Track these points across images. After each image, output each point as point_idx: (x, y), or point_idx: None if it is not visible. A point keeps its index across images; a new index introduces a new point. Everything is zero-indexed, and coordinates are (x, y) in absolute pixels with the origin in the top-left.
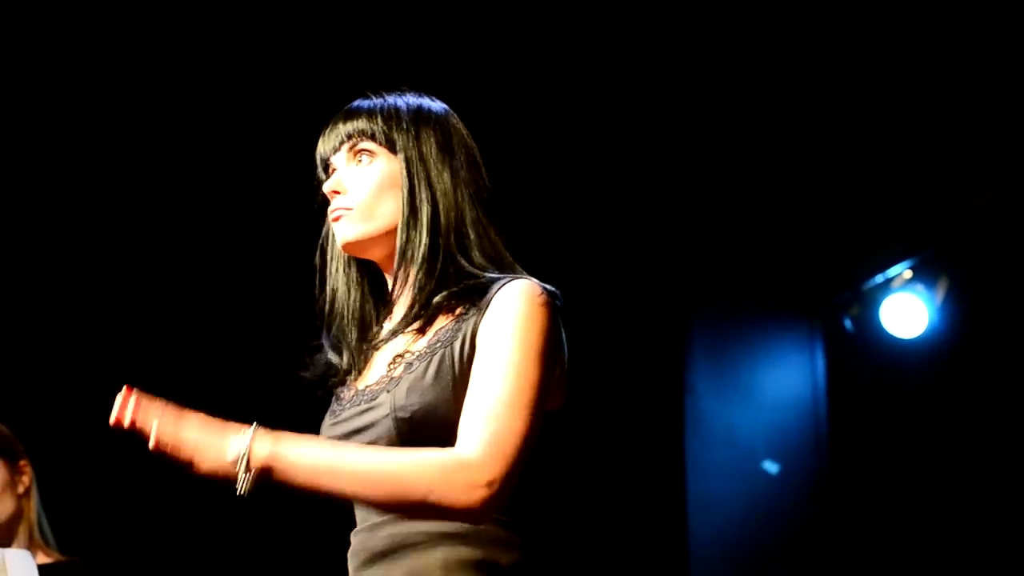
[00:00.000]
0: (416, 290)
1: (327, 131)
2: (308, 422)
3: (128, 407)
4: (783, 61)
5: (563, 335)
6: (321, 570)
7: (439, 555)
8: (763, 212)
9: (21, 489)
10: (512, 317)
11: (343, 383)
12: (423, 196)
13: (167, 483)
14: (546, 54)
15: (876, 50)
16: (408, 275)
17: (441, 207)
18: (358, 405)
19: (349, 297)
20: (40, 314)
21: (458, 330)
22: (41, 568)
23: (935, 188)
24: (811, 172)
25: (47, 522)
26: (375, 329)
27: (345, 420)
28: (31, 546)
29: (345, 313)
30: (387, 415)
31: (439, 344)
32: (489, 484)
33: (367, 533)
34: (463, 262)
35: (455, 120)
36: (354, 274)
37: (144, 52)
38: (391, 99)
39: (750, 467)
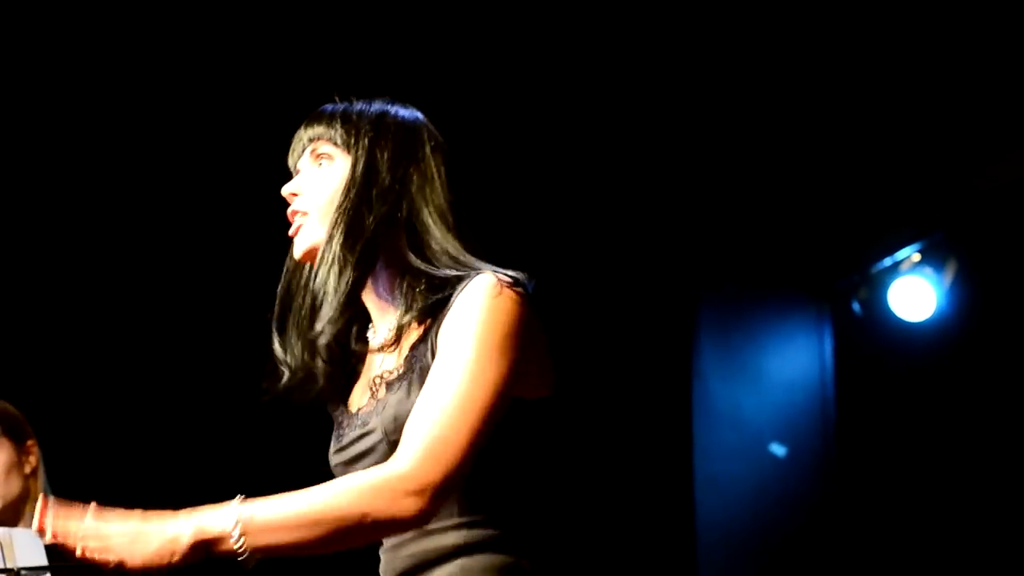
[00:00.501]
0: (331, 291)
1: (293, 140)
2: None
3: (47, 519)
4: (789, 44)
5: (531, 322)
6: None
7: (456, 567)
8: (771, 195)
9: (28, 469)
10: (467, 317)
11: (337, 407)
12: (353, 195)
13: (175, 464)
14: (553, 40)
15: (885, 33)
16: (328, 275)
17: (374, 206)
18: (355, 430)
19: (303, 301)
20: (48, 296)
21: (425, 341)
22: (48, 548)
23: (943, 171)
24: (820, 155)
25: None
26: (353, 344)
27: (348, 446)
28: None
29: (298, 315)
30: (381, 440)
31: (414, 360)
32: (420, 492)
33: (392, 553)
34: (417, 263)
35: (423, 127)
36: (308, 279)
37: (142, 52)
38: (358, 104)
39: (757, 450)
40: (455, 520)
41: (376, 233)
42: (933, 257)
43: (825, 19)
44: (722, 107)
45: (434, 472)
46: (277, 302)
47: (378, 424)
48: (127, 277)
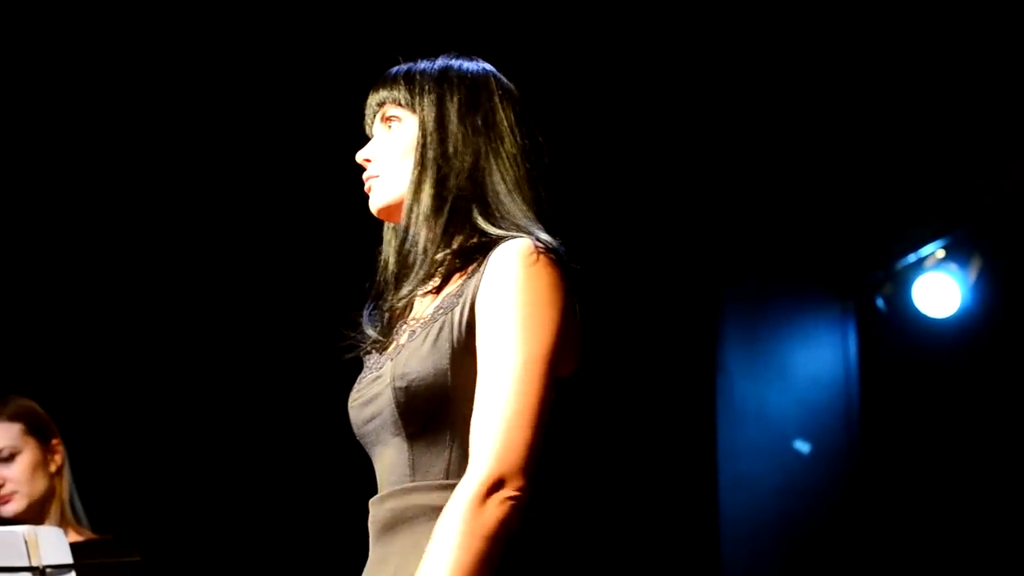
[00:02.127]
0: (421, 251)
1: (366, 106)
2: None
3: None
4: (814, 40)
5: (568, 290)
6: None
7: (432, 527)
8: (796, 191)
9: (53, 468)
10: (509, 288)
11: (370, 351)
12: (431, 155)
13: (200, 462)
14: (579, 36)
15: (910, 29)
16: (419, 236)
17: (452, 166)
18: (372, 372)
19: (390, 266)
20: (73, 293)
21: (460, 295)
22: (72, 546)
23: (968, 167)
24: (845, 151)
25: (79, 500)
26: (394, 293)
27: (362, 389)
28: (63, 524)
29: (383, 282)
30: (388, 384)
31: (441, 311)
32: (505, 483)
33: (377, 506)
34: (479, 222)
35: (491, 79)
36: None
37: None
38: (420, 63)
39: (782, 447)
40: (441, 480)
41: (460, 189)
42: (958, 253)
43: (850, 17)
44: (748, 103)
45: (509, 459)
46: (379, 271)
47: (388, 370)
48: (154, 275)
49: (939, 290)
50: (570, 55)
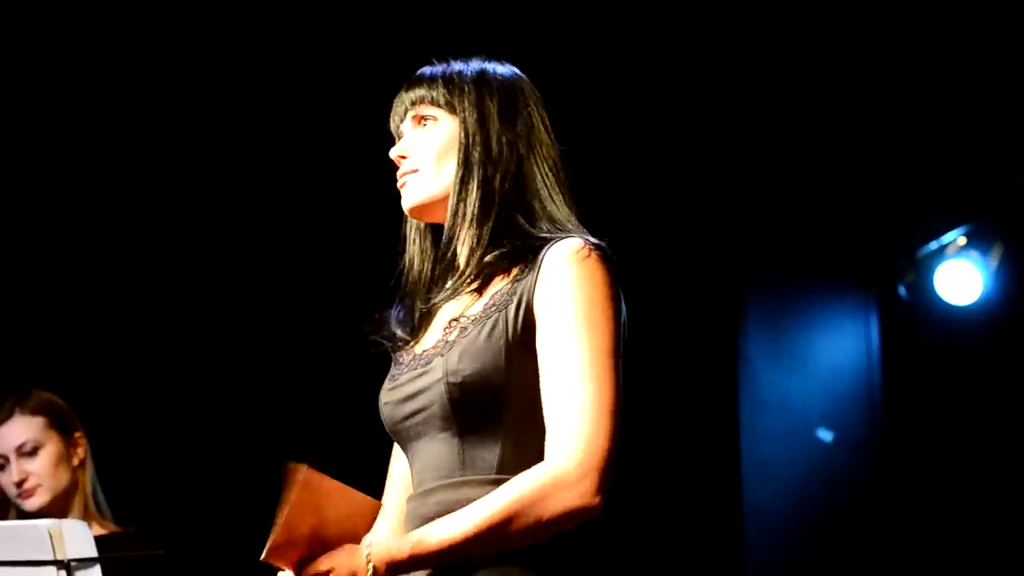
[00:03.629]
0: (468, 251)
1: (394, 103)
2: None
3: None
4: (836, 29)
5: (619, 286)
6: None
7: None
8: (817, 180)
9: (76, 461)
10: (568, 285)
11: (401, 348)
12: (476, 156)
13: (223, 453)
14: (605, 33)
15: (932, 18)
16: (462, 236)
17: (497, 168)
18: (414, 369)
19: (422, 265)
20: (95, 288)
21: (513, 293)
22: (97, 539)
23: (989, 154)
24: (866, 140)
25: (102, 493)
26: (435, 291)
27: (401, 385)
28: (86, 517)
29: (417, 280)
30: (439, 379)
31: (494, 308)
32: (586, 478)
33: (420, 499)
34: (522, 223)
35: (524, 84)
36: (427, 245)
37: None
38: (455, 64)
39: (804, 435)
40: (492, 475)
41: (505, 192)
42: (979, 241)
43: (871, 8)
44: (770, 96)
45: (594, 456)
46: (404, 276)
47: (439, 364)
48: (176, 271)
49: (961, 278)
50: (591, 52)
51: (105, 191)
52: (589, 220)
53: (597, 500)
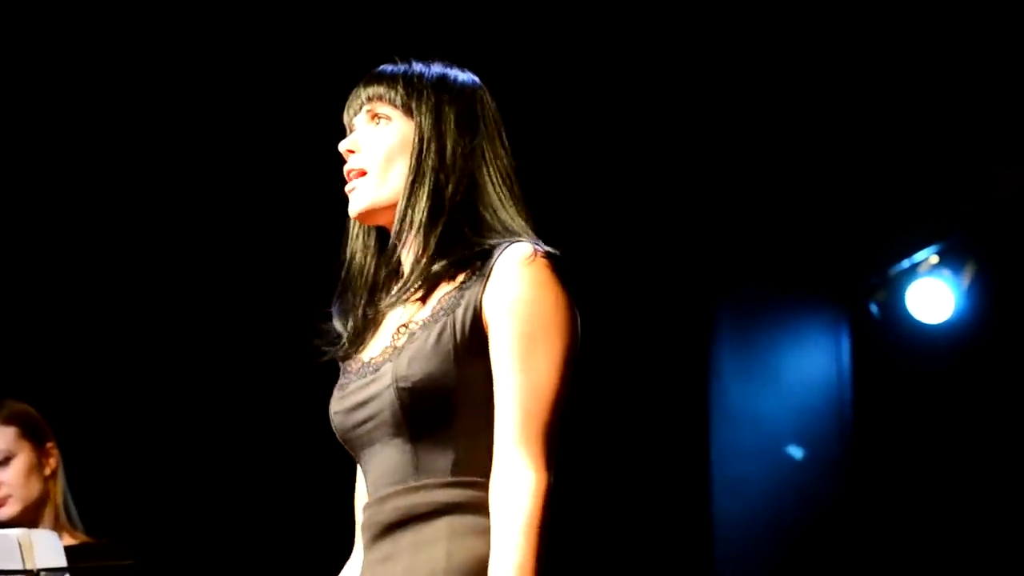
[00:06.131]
0: (414, 259)
1: (350, 96)
2: (318, 398)
3: None
4: (807, 44)
5: (570, 293)
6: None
7: (444, 524)
8: (789, 196)
9: (48, 471)
10: (518, 291)
11: (349, 355)
12: (430, 163)
13: (194, 465)
14: (573, 39)
15: (904, 35)
16: (408, 242)
17: (450, 177)
18: (364, 377)
19: (365, 265)
20: (67, 297)
21: (460, 298)
22: (67, 549)
23: (962, 173)
24: (838, 157)
25: (74, 504)
26: (381, 297)
27: (351, 393)
28: (57, 527)
29: (358, 280)
30: (389, 385)
31: (442, 312)
32: (548, 488)
33: (376, 507)
34: (470, 234)
35: (482, 93)
36: (371, 241)
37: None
38: (417, 66)
39: (775, 452)
40: (447, 479)
41: (456, 200)
42: (951, 259)
43: (842, 23)
44: (741, 109)
45: (548, 458)
46: (344, 271)
47: (388, 371)
48: (146, 280)
49: (932, 296)
50: (564, 60)
51: (71, 208)
52: (556, 234)
53: (546, 491)
